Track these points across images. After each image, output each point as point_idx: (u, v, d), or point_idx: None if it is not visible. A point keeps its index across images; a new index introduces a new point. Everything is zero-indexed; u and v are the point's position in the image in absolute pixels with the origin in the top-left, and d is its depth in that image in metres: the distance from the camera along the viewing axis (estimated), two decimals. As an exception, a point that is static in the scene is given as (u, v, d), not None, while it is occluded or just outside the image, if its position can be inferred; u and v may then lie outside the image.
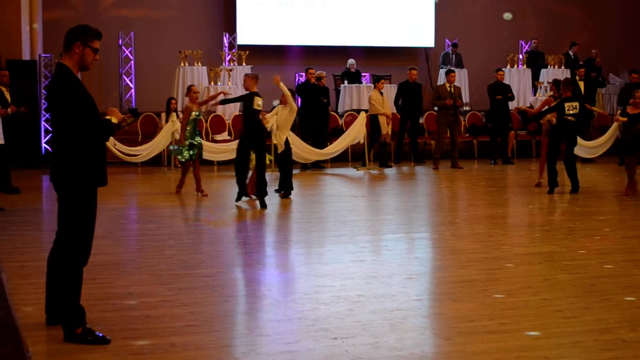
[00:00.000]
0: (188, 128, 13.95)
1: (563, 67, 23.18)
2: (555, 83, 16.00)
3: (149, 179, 16.79)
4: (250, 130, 13.03)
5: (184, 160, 14.07)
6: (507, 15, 24.13)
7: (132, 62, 21.58)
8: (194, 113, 14.03)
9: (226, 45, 22.10)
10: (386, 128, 18.64)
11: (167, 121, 18.10)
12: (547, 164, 14.69)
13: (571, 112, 14.56)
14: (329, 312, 7.00)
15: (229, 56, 21.60)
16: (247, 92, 13.25)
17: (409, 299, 7.38)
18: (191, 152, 13.95)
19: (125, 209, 13.53)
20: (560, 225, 11.81)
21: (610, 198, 14.33)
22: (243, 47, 22.02)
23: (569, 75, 22.40)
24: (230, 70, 20.74)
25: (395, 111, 20.27)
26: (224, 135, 19.55)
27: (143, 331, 6.35)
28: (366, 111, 19.10)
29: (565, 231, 11.13)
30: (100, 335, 6.07)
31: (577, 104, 14.60)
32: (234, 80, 20.76)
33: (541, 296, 7.52)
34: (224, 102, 14.55)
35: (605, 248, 9.82)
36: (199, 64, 20.86)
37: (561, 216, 12.84)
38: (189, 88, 14.65)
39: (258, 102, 12.95)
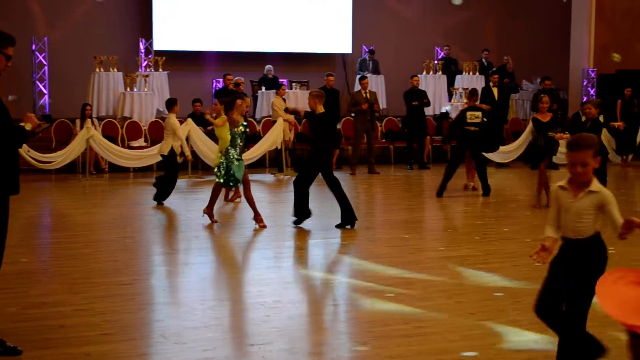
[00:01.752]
0: (240, 143, 11.69)
1: (477, 73, 23.55)
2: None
3: (63, 187, 16.54)
4: (318, 152, 11.58)
5: (221, 182, 11.82)
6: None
7: (46, 67, 21.24)
8: (241, 126, 11.69)
9: (142, 50, 21.91)
10: (288, 134, 18.75)
11: (81, 127, 17.88)
12: (446, 168, 15.00)
13: (473, 121, 14.87)
14: (246, 318, 7.00)
15: (145, 62, 21.42)
16: (314, 112, 11.79)
17: (326, 304, 7.41)
18: (232, 175, 11.69)
19: (38, 217, 13.31)
20: (474, 229, 11.98)
21: (522, 202, 14.59)
22: (160, 53, 21.86)
23: (482, 82, 22.81)
24: (147, 76, 20.57)
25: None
26: (140, 142, 19.37)
27: (57, 341, 6.25)
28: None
29: (479, 235, 11.30)
30: (11, 346, 5.94)
31: (479, 113, 14.92)
32: (150, 86, 20.59)
33: (456, 299, 7.62)
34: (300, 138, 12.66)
35: (517, 251, 9.99)
36: (115, 69, 20.63)
37: (475, 220, 13.02)
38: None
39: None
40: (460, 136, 15.15)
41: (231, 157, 11.59)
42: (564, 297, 5.28)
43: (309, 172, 11.71)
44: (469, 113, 15.00)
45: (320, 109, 11.56)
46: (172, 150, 13.83)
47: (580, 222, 5.22)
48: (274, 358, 5.96)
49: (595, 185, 5.19)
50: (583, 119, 21.17)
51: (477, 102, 15.90)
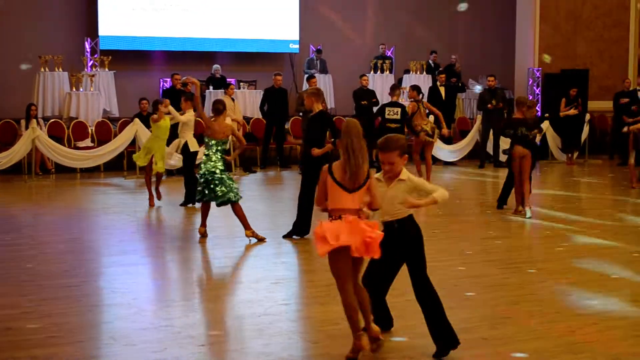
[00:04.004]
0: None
1: (425, 73, 23.66)
2: (415, 88, 16.37)
3: (8, 188, 16.31)
4: (316, 158, 10.81)
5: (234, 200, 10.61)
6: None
7: (-10, 67, 20.95)
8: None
9: (88, 50, 21.68)
10: (237, 133, 18.67)
11: (27, 128, 17.65)
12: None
13: (392, 117, 14.91)
14: (196, 319, 6.96)
15: (91, 61, 21.19)
16: (310, 111, 11.12)
17: (276, 304, 7.40)
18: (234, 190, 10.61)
19: (-17, 218, 13.11)
20: (423, 227, 12.02)
21: (470, 200, 14.71)
22: (106, 52, 21.65)
23: (430, 81, 22.93)
24: (93, 75, 20.36)
25: (261, 116, 20.37)
26: (87, 142, 19.18)
27: (2, 344, 6.17)
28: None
29: (428, 234, 11.33)
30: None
31: (399, 109, 14.94)
32: (96, 86, 20.39)
33: (405, 297, 7.61)
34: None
35: (466, 249, 10.06)
36: (60, 69, 20.39)
37: (424, 219, 13.09)
38: (219, 103, 11.14)
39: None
40: (380, 133, 15.05)
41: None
42: (390, 273, 6.39)
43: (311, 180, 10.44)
44: (387, 109, 15.05)
45: (317, 107, 10.90)
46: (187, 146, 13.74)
47: (394, 206, 6.14)
48: (224, 358, 5.93)
49: (404, 174, 6.11)
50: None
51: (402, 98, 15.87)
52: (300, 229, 10.83)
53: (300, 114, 19.74)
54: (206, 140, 10.71)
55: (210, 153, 10.63)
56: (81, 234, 11.50)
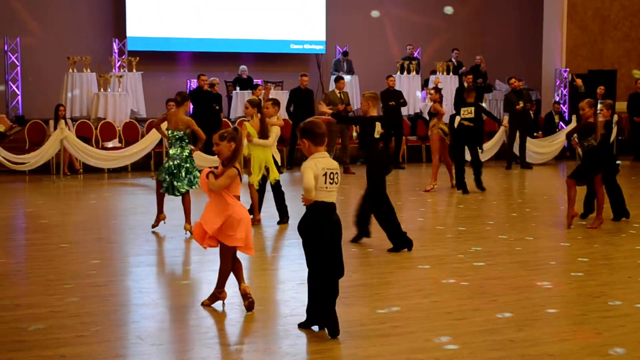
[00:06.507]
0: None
1: (452, 73, 23.60)
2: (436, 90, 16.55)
3: (36, 188, 16.44)
4: (370, 161, 10.76)
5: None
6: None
7: (19, 68, 21.12)
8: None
9: (116, 51, 21.81)
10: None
11: (55, 128, 17.79)
12: (454, 166, 15.31)
13: (466, 115, 15.13)
14: (222, 319, 6.98)
15: (119, 62, 21.32)
16: (365, 115, 10.55)
17: (302, 305, 7.38)
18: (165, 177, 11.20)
19: (12, 218, 13.22)
20: (450, 228, 12.01)
21: (497, 202, 14.64)
22: (133, 53, 21.77)
23: (456, 82, 22.90)
24: (121, 76, 20.49)
25: (287, 117, 20.39)
26: (115, 142, 19.29)
27: (31, 343, 6.21)
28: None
29: (455, 234, 11.33)
30: (-13, 348, 5.92)
31: (472, 108, 15.19)
32: (124, 86, 20.50)
33: (431, 299, 7.64)
34: (339, 119, 11.98)
35: (493, 250, 10.03)
36: (88, 70, 20.53)
37: (451, 220, 13.07)
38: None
39: (379, 128, 10.39)
40: (458, 131, 15.33)
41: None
42: None
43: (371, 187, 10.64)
44: (463, 109, 15.31)
45: (373, 112, 10.41)
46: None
47: None
48: (251, 359, 5.95)
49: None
50: (556, 118, 21.30)
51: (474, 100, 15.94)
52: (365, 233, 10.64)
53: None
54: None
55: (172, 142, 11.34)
56: (108, 233, 11.57)
